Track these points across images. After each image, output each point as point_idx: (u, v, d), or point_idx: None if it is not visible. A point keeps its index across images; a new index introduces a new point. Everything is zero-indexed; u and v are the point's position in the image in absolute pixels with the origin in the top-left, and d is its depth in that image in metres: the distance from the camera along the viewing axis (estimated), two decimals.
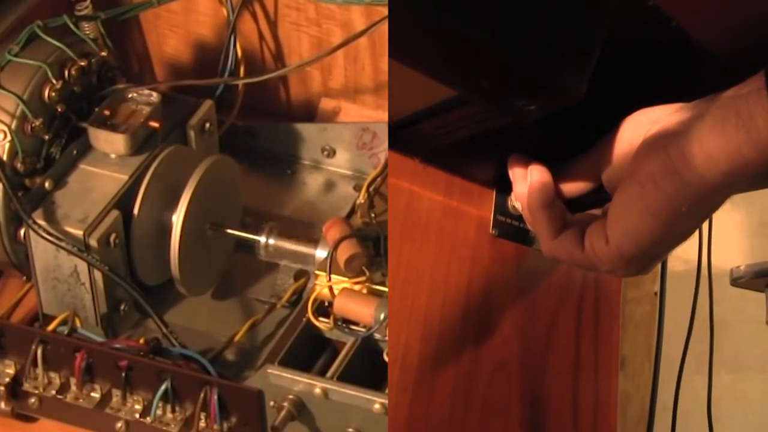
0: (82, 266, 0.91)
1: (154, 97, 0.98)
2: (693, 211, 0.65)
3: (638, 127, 0.70)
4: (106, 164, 0.95)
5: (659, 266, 1.04)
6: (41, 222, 0.91)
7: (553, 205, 0.77)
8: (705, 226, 1.07)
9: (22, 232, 0.94)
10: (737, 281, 1.04)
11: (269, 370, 0.84)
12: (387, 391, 0.79)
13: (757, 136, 0.59)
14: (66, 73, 0.97)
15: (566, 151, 0.79)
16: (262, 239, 0.97)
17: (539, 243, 0.82)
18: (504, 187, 0.85)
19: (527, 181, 0.79)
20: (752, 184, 0.65)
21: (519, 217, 0.87)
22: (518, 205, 0.85)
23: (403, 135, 0.77)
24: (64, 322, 0.91)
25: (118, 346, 0.89)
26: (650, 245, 0.68)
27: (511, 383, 0.84)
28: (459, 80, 0.65)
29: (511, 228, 0.87)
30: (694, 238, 1.08)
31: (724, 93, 0.62)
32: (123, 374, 0.87)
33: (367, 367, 0.87)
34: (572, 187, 0.79)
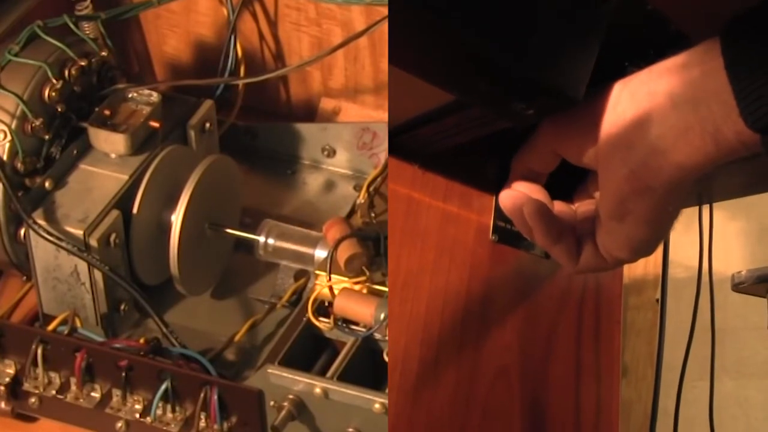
0: (82, 266, 0.91)
1: (154, 97, 0.98)
2: (679, 199, 0.66)
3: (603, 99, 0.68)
4: (106, 164, 0.95)
5: (660, 274, 1.04)
6: (41, 222, 0.91)
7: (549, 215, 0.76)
8: (706, 232, 1.07)
9: (22, 232, 0.94)
10: (738, 286, 1.04)
11: (269, 370, 0.84)
12: (387, 391, 0.79)
13: (727, 146, 0.59)
14: (66, 73, 0.97)
15: None
16: (262, 239, 0.97)
17: (539, 248, 0.81)
18: None
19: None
20: None
21: None
22: None
23: (403, 140, 0.77)
24: (64, 322, 0.91)
25: (118, 346, 0.89)
26: (648, 245, 0.69)
27: (512, 389, 0.84)
28: (457, 85, 0.65)
29: (511, 233, 0.86)
30: (696, 245, 1.09)
31: (676, 64, 0.61)
32: (123, 374, 0.87)
33: (367, 367, 0.87)
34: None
